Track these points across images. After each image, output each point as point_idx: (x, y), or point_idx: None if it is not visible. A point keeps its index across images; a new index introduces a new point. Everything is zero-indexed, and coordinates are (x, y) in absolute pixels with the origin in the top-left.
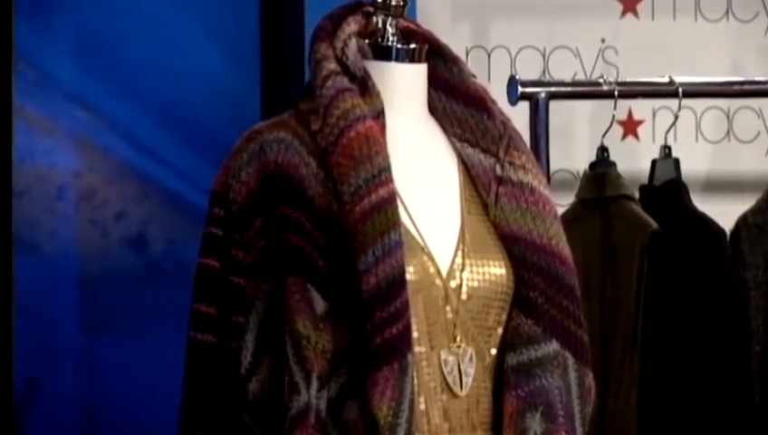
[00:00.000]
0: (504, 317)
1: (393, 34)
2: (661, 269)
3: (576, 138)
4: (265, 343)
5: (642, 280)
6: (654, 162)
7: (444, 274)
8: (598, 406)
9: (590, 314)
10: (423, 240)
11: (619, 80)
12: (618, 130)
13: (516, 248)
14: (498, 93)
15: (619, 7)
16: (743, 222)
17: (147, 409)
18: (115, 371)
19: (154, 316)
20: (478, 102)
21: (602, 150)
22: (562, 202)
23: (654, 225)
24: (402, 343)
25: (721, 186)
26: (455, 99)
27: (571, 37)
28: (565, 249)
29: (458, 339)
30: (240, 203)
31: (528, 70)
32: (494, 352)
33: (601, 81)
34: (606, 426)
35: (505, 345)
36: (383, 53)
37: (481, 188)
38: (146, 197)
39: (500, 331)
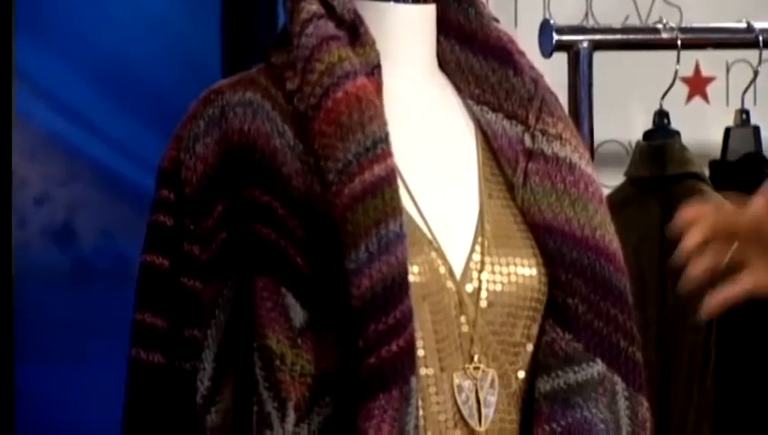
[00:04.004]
0: (534, 331)
1: None
2: None
3: (628, 100)
4: (228, 364)
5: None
6: (728, 131)
7: (458, 275)
8: None
9: (645, 326)
10: (431, 232)
11: (683, 25)
12: (681, 90)
13: (550, 242)
14: (528, 43)
15: None
16: None
17: None
18: (38, 401)
19: (85, 330)
20: (502, 54)
21: (661, 116)
22: (610, 182)
23: None
24: (404, 363)
25: None
26: (471, 50)
27: None
28: (613, 243)
29: (476, 359)
30: (195, 184)
31: (566, 12)
32: (521, 375)
33: (660, 26)
34: None
35: (537, 367)
36: None
37: (505, 165)
38: (74, 176)
39: (530, 348)
